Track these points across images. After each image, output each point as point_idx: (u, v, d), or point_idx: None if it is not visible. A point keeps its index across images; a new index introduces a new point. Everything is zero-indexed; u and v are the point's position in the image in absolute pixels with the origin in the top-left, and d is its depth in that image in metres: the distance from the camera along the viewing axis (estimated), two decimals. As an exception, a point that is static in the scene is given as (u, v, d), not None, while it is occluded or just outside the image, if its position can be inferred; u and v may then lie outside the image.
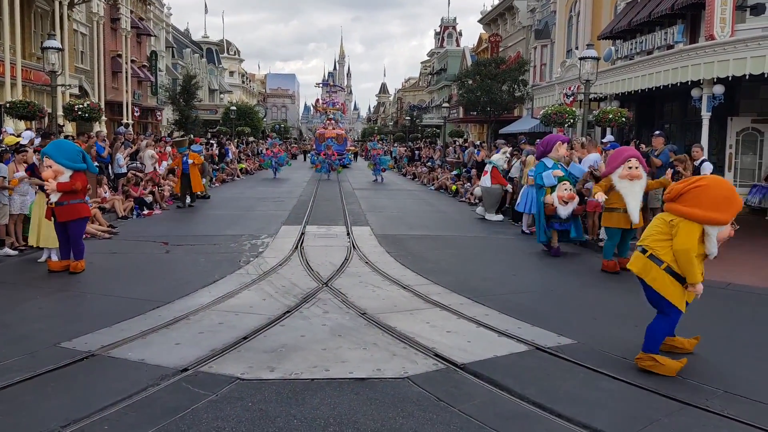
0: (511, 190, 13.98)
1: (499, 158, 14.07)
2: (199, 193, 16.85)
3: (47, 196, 7.90)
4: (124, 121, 29.65)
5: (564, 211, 9.47)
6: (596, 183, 9.63)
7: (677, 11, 16.11)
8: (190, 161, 15.56)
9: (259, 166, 30.01)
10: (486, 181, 14.05)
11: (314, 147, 36.58)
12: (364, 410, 4.03)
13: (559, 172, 9.68)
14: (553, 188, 9.60)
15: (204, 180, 17.57)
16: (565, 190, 9.51)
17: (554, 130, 20.28)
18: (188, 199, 15.63)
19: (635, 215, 8.07)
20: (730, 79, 12.52)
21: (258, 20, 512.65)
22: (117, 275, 7.92)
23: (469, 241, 11.37)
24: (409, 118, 61.34)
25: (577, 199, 9.60)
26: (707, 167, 9.91)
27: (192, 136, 26.71)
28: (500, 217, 13.96)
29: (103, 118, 21.96)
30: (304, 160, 43.44)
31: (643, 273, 4.90)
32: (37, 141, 12.34)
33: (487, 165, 14.31)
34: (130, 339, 5.26)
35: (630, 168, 7.99)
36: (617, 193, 8.15)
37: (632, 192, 8.05)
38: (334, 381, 4.49)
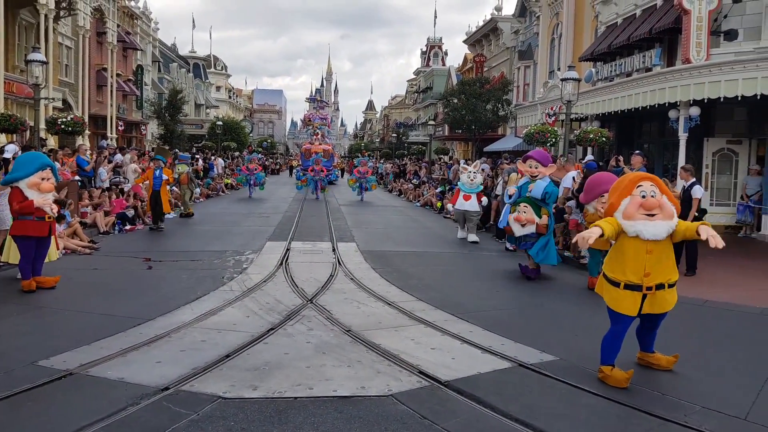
0: (478, 210, 13.19)
1: (464, 180, 13.29)
2: (182, 211, 16.44)
3: None
4: (109, 134, 29.42)
5: (519, 231, 9.14)
6: (577, 202, 9.73)
7: (655, 35, 16.55)
8: (164, 177, 13.85)
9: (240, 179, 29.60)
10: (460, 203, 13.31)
11: (300, 162, 36.39)
12: (348, 429, 4.02)
13: (512, 190, 9.58)
14: (516, 208, 9.24)
15: (198, 190, 16.93)
16: (518, 212, 9.12)
17: (537, 148, 20.53)
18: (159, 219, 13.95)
19: None
20: (705, 101, 12.85)
21: (246, 36, 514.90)
22: (97, 292, 7.82)
23: (453, 257, 11.43)
24: (395, 134, 61.72)
25: (535, 223, 9.05)
26: (698, 191, 9.69)
27: (177, 151, 26.43)
28: (463, 234, 13.18)
29: (87, 131, 21.76)
30: (290, 175, 43.37)
31: (600, 287, 5.18)
32: (10, 149, 12.21)
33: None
34: (109, 357, 5.19)
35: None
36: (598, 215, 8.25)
37: None
38: (318, 399, 4.47)
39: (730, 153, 15.35)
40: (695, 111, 13.40)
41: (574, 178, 10.78)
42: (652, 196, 4.82)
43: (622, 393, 4.70)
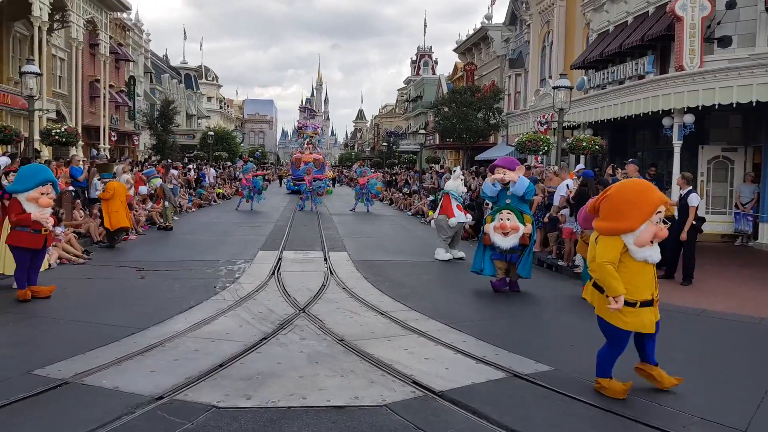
0: (471, 221, 12.64)
1: (452, 185, 12.05)
2: (162, 224, 15.74)
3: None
4: (101, 145, 29.34)
5: (504, 243, 8.48)
6: (570, 209, 9.73)
7: (647, 42, 16.58)
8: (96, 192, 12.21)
9: (236, 191, 28.89)
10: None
11: (290, 172, 36.21)
12: (342, 438, 3.99)
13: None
14: (493, 217, 8.71)
15: (166, 204, 16.29)
16: (502, 220, 8.54)
17: (530, 157, 20.64)
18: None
19: None
20: (700, 108, 12.82)
21: (237, 47, 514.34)
22: (91, 301, 7.78)
23: (445, 266, 11.39)
24: (386, 144, 61.83)
25: (521, 230, 8.49)
26: (694, 199, 9.51)
27: (150, 162, 25.88)
28: (447, 255, 11.72)
29: (80, 142, 21.66)
30: (280, 185, 43.30)
31: (592, 300, 4.95)
32: (3, 161, 12.12)
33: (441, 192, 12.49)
34: (104, 366, 5.15)
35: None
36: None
37: None
38: (312, 409, 4.44)
39: (726, 161, 15.32)
40: (689, 118, 13.36)
41: (568, 186, 10.83)
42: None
43: (618, 404, 4.66)
